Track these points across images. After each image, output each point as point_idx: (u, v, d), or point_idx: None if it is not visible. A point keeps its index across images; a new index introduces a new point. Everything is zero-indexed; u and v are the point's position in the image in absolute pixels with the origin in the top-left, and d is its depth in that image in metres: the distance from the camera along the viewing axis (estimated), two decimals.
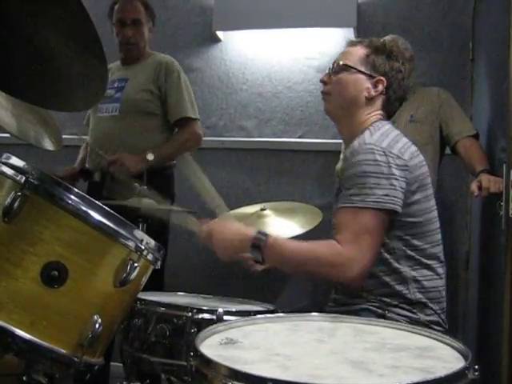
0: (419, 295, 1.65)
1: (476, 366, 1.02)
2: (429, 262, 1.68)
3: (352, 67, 1.78)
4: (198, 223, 1.74)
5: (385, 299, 1.65)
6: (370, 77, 1.77)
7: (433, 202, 1.71)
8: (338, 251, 1.53)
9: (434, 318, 1.67)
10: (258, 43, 3.41)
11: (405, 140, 1.70)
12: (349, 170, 1.62)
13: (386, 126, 1.73)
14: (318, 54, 3.27)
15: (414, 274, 1.65)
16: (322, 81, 1.85)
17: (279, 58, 3.38)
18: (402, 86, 1.79)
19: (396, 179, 1.59)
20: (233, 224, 1.67)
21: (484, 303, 2.48)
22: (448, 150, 2.75)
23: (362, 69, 1.77)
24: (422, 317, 1.65)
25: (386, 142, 1.64)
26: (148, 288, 1.76)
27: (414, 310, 1.65)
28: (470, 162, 2.51)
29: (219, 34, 3.41)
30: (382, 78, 1.76)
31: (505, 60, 1.90)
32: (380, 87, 1.76)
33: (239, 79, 3.44)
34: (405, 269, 1.65)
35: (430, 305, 1.67)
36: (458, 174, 2.86)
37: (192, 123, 2.77)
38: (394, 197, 1.58)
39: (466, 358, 1.09)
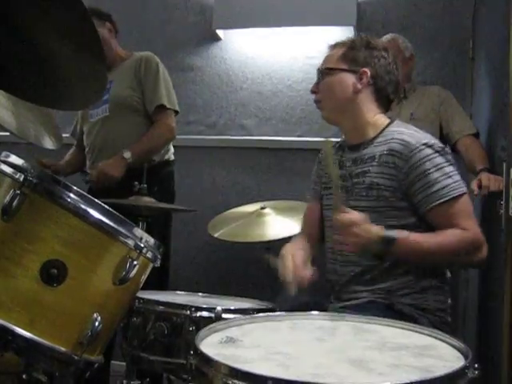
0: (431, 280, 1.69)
1: (476, 365, 1.02)
2: None
3: (333, 68, 1.80)
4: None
5: (392, 290, 1.67)
6: (353, 72, 1.78)
7: None
8: (469, 239, 1.62)
9: (442, 305, 1.70)
10: (258, 42, 3.41)
11: None
12: (418, 167, 1.64)
13: (408, 125, 1.78)
14: (318, 53, 3.25)
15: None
16: (312, 91, 1.87)
17: (279, 57, 3.37)
18: (390, 71, 1.80)
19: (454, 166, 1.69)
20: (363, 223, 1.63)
21: (484, 303, 2.48)
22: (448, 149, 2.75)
23: (343, 66, 1.79)
24: (432, 304, 1.67)
25: (430, 137, 1.71)
26: (152, 287, 1.77)
27: (424, 295, 1.67)
28: (470, 160, 2.50)
29: (219, 32, 3.41)
30: (364, 69, 1.77)
31: (505, 59, 1.89)
32: (365, 79, 1.77)
33: (239, 78, 3.43)
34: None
35: (445, 287, 1.72)
36: (459, 173, 2.85)
37: (167, 114, 2.74)
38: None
39: (466, 356, 1.09)
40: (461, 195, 1.63)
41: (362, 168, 1.74)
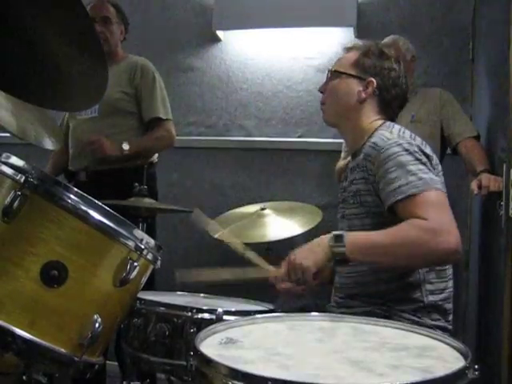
0: (431, 298, 1.64)
1: (476, 366, 1.02)
2: None
3: (342, 72, 1.78)
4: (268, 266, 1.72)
5: (391, 304, 1.64)
6: (360, 79, 1.76)
7: None
8: (425, 226, 1.46)
9: (440, 323, 1.66)
10: (258, 43, 3.41)
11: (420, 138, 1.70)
12: (382, 166, 1.58)
13: (396, 125, 1.73)
14: (318, 54, 3.27)
15: (428, 276, 1.64)
16: (320, 91, 1.85)
17: (279, 58, 3.38)
18: (398, 84, 1.77)
19: (430, 164, 1.60)
20: (307, 244, 1.61)
21: (484, 303, 2.48)
22: (449, 150, 2.75)
23: (353, 72, 1.77)
24: (427, 321, 1.63)
25: (408, 135, 1.66)
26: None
27: (419, 315, 1.63)
28: (471, 162, 2.51)
29: (219, 33, 3.42)
30: (371, 79, 1.75)
31: (505, 60, 1.90)
32: (370, 88, 1.75)
33: (239, 79, 3.44)
34: (421, 270, 1.64)
35: (444, 306, 1.66)
36: (459, 174, 2.86)
37: (164, 123, 2.85)
38: (437, 179, 1.57)
39: (465, 357, 1.09)
40: (424, 191, 1.51)
41: (352, 176, 1.72)
